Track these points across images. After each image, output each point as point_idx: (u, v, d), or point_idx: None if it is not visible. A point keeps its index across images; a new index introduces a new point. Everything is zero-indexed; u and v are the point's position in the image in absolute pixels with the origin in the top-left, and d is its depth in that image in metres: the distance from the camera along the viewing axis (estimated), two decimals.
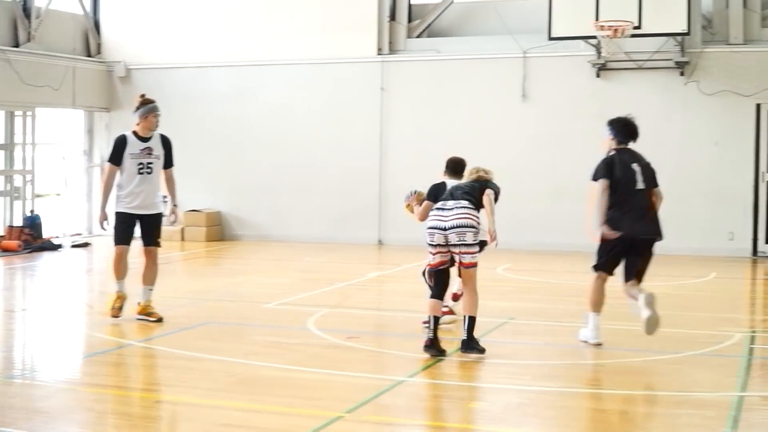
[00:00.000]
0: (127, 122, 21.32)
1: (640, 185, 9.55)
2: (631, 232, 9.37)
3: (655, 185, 9.73)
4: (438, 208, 9.23)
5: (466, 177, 9.96)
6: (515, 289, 13.64)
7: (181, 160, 20.72)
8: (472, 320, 9.04)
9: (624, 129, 10.01)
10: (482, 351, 8.92)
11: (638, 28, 16.79)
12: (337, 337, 9.81)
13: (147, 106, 10.84)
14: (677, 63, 18.00)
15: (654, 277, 14.58)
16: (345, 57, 20.21)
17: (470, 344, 8.96)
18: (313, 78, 20.48)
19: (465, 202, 9.19)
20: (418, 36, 20.38)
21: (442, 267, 9.18)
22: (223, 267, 17.30)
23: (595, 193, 9.48)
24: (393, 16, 20.35)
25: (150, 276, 10.68)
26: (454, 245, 9.00)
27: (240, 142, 20.95)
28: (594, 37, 17.40)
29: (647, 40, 17.67)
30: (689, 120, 18.10)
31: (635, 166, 9.63)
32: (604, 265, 9.53)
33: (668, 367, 8.64)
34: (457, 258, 9.09)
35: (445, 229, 9.01)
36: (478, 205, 9.30)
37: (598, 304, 9.55)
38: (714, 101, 17.92)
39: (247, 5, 20.98)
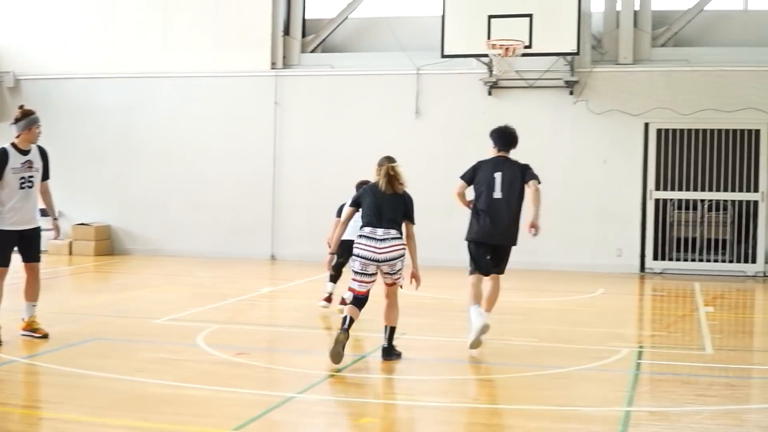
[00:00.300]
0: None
1: (497, 194, 10.12)
2: (480, 237, 10.21)
3: (521, 187, 10.21)
4: (368, 237, 9.37)
5: (375, 171, 10.00)
6: (406, 305, 13.62)
7: (70, 172, 20.67)
8: (392, 330, 9.53)
9: (501, 137, 10.55)
10: (399, 355, 9.50)
11: (529, 47, 17.03)
12: (226, 353, 9.70)
13: (29, 118, 10.55)
14: (567, 82, 18.32)
15: (544, 293, 14.86)
16: (239, 71, 20.10)
17: (390, 351, 9.46)
18: (207, 91, 20.32)
19: (394, 232, 9.44)
20: (312, 51, 20.37)
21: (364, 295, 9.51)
22: (112, 282, 17.01)
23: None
24: (287, 31, 20.31)
25: (32, 291, 10.40)
26: (386, 273, 9.49)
27: (131, 156, 20.67)
28: (486, 56, 17.60)
29: (538, 59, 17.95)
30: (578, 138, 18.43)
31: (497, 175, 10.19)
32: (472, 267, 10.26)
33: (556, 381, 8.73)
34: (384, 279, 9.52)
35: (378, 261, 9.35)
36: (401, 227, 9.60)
37: (476, 297, 10.08)
38: (603, 120, 18.27)
39: (140, 17, 20.72)
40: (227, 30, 20.22)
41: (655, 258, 18.20)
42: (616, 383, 8.59)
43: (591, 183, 18.33)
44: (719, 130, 17.89)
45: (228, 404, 7.73)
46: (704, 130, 17.94)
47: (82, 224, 20.46)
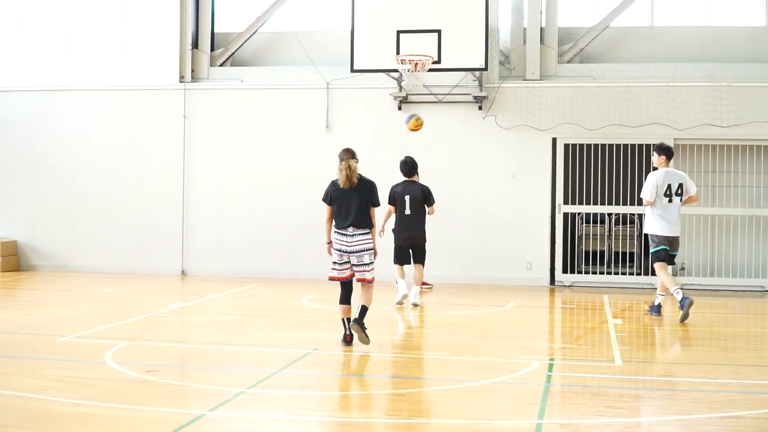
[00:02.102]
0: None
1: (407, 211, 14.86)
2: (400, 241, 15.02)
3: (429, 205, 14.99)
4: (340, 233, 11.22)
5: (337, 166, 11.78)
6: (319, 320, 13.62)
7: None
8: (365, 308, 11.19)
9: (402, 167, 15.13)
10: (367, 339, 10.99)
11: (438, 62, 17.10)
12: (135, 371, 9.56)
13: None
14: (476, 97, 18.47)
15: (454, 306, 14.93)
16: (146, 84, 19.89)
17: (361, 323, 11.03)
18: (114, 105, 20.05)
19: (360, 227, 11.21)
20: (222, 65, 20.25)
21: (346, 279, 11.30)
22: (17, 298, 16.64)
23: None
24: (196, 44, 20.16)
25: None
26: (356, 265, 11.19)
27: (36, 170, 20.29)
28: (395, 71, 17.65)
29: (447, 74, 18.08)
30: (488, 153, 18.58)
31: (406, 197, 14.86)
32: (397, 259, 15.10)
33: (467, 395, 8.77)
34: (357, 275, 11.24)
35: (349, 252, 11.16)
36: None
37: (400, 274, 15.02)
38: (511, 135, 18.46)
39: (46, 28, 20.38)
40: (135, 42, 19.99)
41: (565, 271, 18.42)
42: (528, 396, 8.65)
43: (500, 197, 18.49)
44: (625, 145, 18.19)
45: (136, 423, 7.61)
46: (610, 145, 18.23)
47: None
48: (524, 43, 18.78)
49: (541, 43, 18.73)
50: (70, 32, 20.27)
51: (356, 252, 11.12)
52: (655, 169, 14.10)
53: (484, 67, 17.29)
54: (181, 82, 19.83)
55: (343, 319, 11.27)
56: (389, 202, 14.95)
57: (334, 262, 11.25)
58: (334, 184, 11.52)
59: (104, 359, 10.09)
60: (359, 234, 11.15)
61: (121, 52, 20.05)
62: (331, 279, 11.34)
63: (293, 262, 19.03)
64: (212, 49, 20.34)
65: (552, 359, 10.70)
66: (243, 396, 8.59)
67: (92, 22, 20.18)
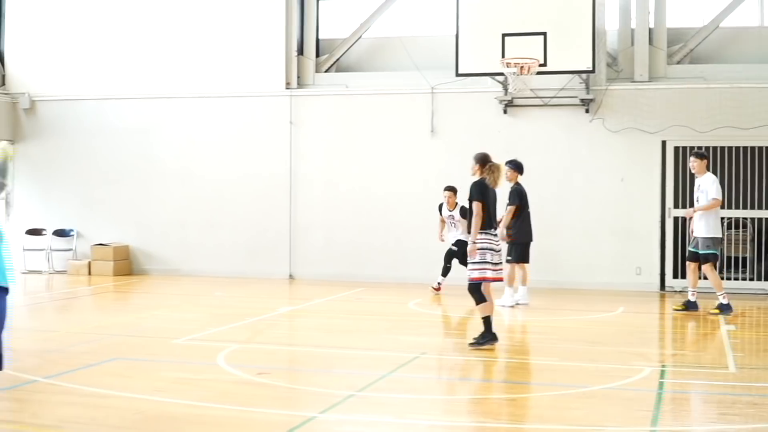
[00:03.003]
0: (33, 154, 21.17)
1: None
2: (530, 238, 15.52)
3: None
4: (491, 234, 11.23)
5: (478, 169, 11.70)
6: (426, 324, 13.64)
7: (87, 192, 20.78)
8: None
9: (521, 168, 15.40)
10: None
11: (544, 65, 17.01)
12: (247, 373, 9.68)
13: None
14: (582, 100, 18.28)
15: (563, 311, 14.80)
16: (253, 91, 20.15)
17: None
18: (222, 112, 20.36)
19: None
20: (327, 71, 20.40)
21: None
22: (130, 302, 17.01)
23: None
24: (301, 51, 20.35)
25: None
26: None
27: (148, 176, 20.71)
28: (501, 74, 17.58)
29: (553, 77, 17.92)
30: (595, 157, 18.37)
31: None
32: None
33: (579, 401, 8.68)
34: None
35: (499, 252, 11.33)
36: None
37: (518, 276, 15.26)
38: (619, 138, 18.22)
39: (154, 37, 20.80)
40: (241, 51, 20.27)
41: (675, 276, 18.05)
42: (641, 403, 8.52)
43: (609, 201, 18.25)
44: (737, 148, 17.78)
45: (249, 424, 7.71)
46: (722, 148, 17.83)
47: (100, 245, 20.51)
48: (632, 44, 18.52)
49: (649, 44, 18.44)
50: (179, 41, 20.63)
51: (500, 252, 11.35)
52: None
53: (591, 69, 17.15)
54: (287, 88, 20.04)
55: (490, 318, 11.18)
56: (516, 202, 15.09)
57: (488, 262, 11.17)
58: (484, 184, 11.34)
59: (216, 361, 10.24)
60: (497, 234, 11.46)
61: (228, 60, 20.35)
62: (486, 280, 11.19)
63: (399, 267, 19.06)
64: (317, 55, 20.51)
65: (664, 365, 10.53)
66: (353, 399, 8.64)
67: (200, 32, 20.51)
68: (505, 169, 13.64)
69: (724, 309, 14.26)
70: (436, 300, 16.37)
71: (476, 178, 11.44)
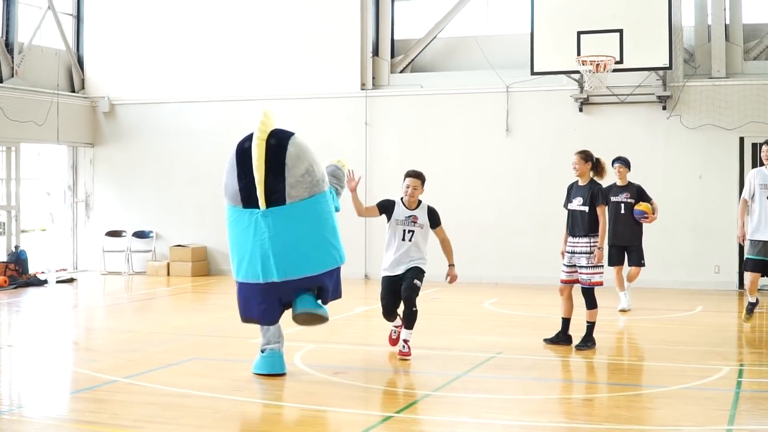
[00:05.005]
0: (112, 157, 21.56)
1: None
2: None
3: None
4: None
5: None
6: (502, 324, 13.62)
7: (166, 194, 21.10)
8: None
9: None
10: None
11: (620, 62, 16.90)
12: (324, 373, 9.76)
13: None
14: (659, 97, 18.10)
15: (641, 311, 14.66)
16: (329, 92, 20.28)
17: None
18: (298, 113, 20.49)
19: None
20: (402, 71, 20.45)
21: None
22: (208, 302, 17.23)
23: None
24: (376, 52, 20.43)
25: None
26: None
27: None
28: (576, 72, 17.49)
29: (629, 74, 17.79)
30: (673, 154, 18.19)
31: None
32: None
33: (657, 401, 8.62)
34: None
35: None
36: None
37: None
38: (697, 135, 18.02)
39: (231, 41, 21.04)
40: (317, 52, 20.42)
41: None
42: (719, 402, 8.44)
43: (687, 198, 18.05)
44: None
45: (327, 423, 7.79)
46: None
47: (179, 246, 20.80)
48: (709, 40, 18.29)
49: (726, 39, 18.20)
50: (255, 43, 20.84)
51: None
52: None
53: (668, 66, 17.01)
54: (362, 89, 20.13)
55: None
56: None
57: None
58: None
59: (294, 361, 10.34)
60: None
61: (304, 62, 20.50)
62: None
63: (475, 266, 19.02)
64: (392, 56, 20.57)
65: (742, 365, 10.40)
66: (429, 398, 8.67)
67: (276, 34, 20.69)
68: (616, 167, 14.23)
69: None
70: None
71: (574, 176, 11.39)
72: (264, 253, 9.32)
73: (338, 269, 9.78)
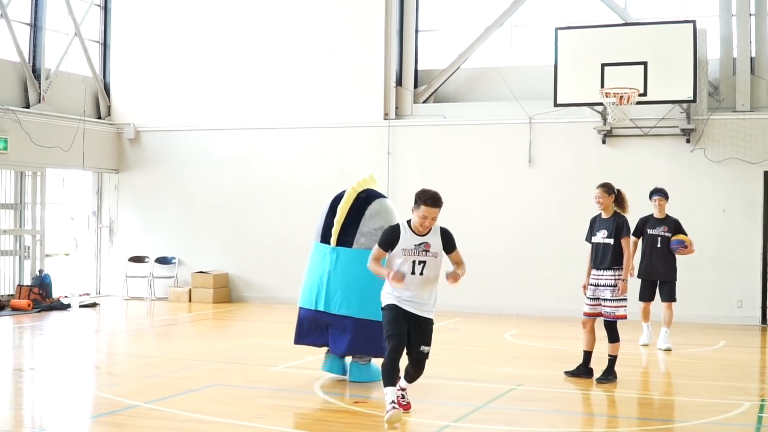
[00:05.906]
0: (137, 184, 21.72)
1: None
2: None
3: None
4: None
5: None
6: (522, 355, 13.58)
7: (188, 221, 21.22)
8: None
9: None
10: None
11: (644, 95, 16.90)
12: (343, 402, 9.76)
13: None
14: (683, 130, 18.07)
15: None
16: (352, 122, 20.35)
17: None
18: (320, 142, 20.59)
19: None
20: (425, 101, 20.50)
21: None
22: (229, 329, 17.25)
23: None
24: (399, 82, 20.51)
25: None
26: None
27: (247, 205, 21.03)
28: (600, 104, 17.49)
29: (653, 107, 17.76)
30: (696, 187, 18.13)
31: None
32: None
33: None
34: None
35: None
36: None
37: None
38: (721, 168, 17.97)
39: (256, 70, 21.16)
40: (341, 82, 20.51)
41: None
42: None
43: (710, 232, 17.94)
44: None
45: None
46: None
47: (200, 272, 20.87)
48: (734, 73, 18.27)
49: (751, 73, 18.18)
50: (279, 72, 20.95)
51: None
52: None
53: (693, 99, 16.97)
54: (385, 119, 20.19)
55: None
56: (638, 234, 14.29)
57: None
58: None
59: (313, 389, 10.35)
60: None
61: (328, 91, 20.60)
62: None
63: (495, 297, 19.00)
64: (416, 86, 20.64)
65: (764, 400, 10.34)
66: (448, 429, 8.65)
67: (300, 64, 20.80)
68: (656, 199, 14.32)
69: None
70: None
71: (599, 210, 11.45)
72: (321, 283, 10.85)
73: (379, 324, 9.10)
